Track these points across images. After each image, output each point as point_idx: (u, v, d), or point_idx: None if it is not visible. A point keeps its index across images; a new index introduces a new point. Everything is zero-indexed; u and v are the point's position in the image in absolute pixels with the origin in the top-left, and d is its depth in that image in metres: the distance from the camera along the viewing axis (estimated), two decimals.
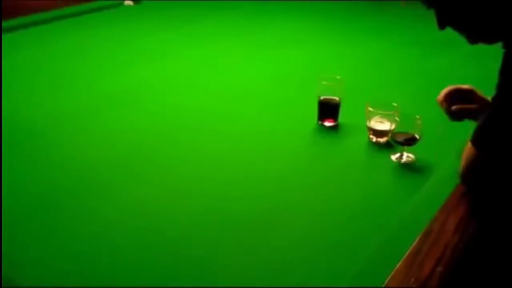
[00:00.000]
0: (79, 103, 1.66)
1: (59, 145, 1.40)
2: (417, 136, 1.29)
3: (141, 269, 0.96)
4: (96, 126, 1.51)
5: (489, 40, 1.08)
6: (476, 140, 1.07)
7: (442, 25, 1.08)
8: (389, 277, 0.88)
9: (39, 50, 2.15)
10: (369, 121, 1.40)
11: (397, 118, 1.30)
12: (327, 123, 1.50)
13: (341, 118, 1.50)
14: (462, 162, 1.11)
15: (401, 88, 1.81)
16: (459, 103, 1.27)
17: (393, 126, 1.38)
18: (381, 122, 1.39)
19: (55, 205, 1.14)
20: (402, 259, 0.92)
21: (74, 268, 0.96)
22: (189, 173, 1.28)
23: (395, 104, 1.38)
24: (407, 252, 0.94)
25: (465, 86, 1.30)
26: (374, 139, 1.39)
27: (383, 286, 0.87)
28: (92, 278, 0.93)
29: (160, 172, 1.28)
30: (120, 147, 1.39)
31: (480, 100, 1.26)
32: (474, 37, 1.08)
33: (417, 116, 1.28)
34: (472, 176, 1.10)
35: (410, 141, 1.30)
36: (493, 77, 1.05)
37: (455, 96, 1.29)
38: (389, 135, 1.33)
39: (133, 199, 1.17)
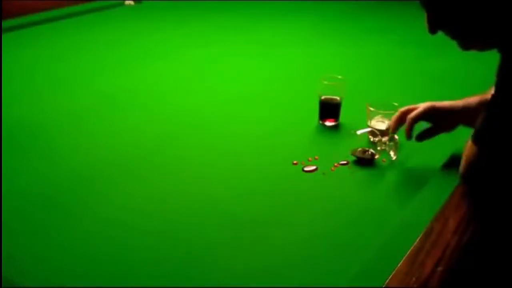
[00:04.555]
0: (79, 103, 1.66)
1: (60, 145, 1.40)
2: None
3: (141, 269, 0.96)
4: (96, 126, 1.51)
5: (482, 46, 1.07)
6: (477, 138, 1.07)
7: (433, 29, 1.08)
8: (389, 277, 0.88)
9: (39, 50, 2.15)
10: (370, 120, 1.39)
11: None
12: (328, 123, 1.50)
13: (342, 117, 1.50)
14: (463, 162, 1.11)
15: (402, 88, 1.81)
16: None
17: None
18: (382, 121, 1.39)
19: (55, 205, 1.14)
20: (403, 259, 0.92)
21: (75, 268, 0.96)
22: (190, 173, 1.28)
23: (396, 104, 1.38)
24: (408, 252, 0.94)
25: (422, 109, 1.27)
26: (376, 139, 1.39)
27: (383, 286, 0.87)
28: (92, 278, 0.93)
29: (161, 172, 1.28)
30: (121, 147, 1.39)
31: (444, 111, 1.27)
32: (467, 42, 1.07)
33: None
34: (473, 175, 1.10)
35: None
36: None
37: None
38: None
39: (133, 200, 1.16)
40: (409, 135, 1.28)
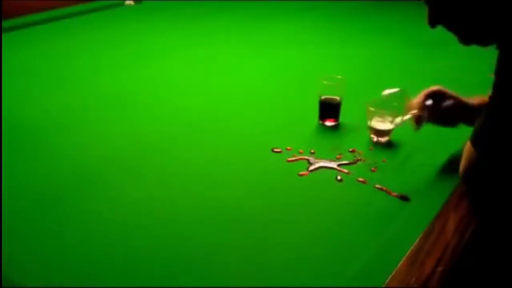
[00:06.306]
0: (79, 103, 1.65)
1: (60, 145, 1.40)
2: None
3: (141, 269, 0.96)
4: (96, 125, 1.51)
5: (482, 41, 1.07)
6: (475, 140, 1.07)
7: (433, 23, 1.08)
8: (389, 277, 0.88)
9: (39, 50, 2.15)
10: (370, 120, 1.39)
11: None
12: (328, 123, 1.50)
13: (342, 117, 1.50)
14: (462, 162, 1.11)
15: (402, 88, 1.80)
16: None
17: (393, 126, 1.38)
18: (382, 121, 1.39)
19: (55, 205, 1.14)
20: (403, 259, 0.92)
21: (75, 268, 0.96)
22: (189, 172, 1.28)
23: (395, 104, 1.38)
24: (408, 252, 0.94)
25: (434, 88, 1.32)
26: (375, 139, 1.39)
27: (383, 286, 0.87)
28: (92, 278, 0.93)
29: (160, 171, 1.28)
30: (121, 146, 1.39)
31: (453, 98, 1.30)
32: (467, 37, 1.07)
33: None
34: (472, 176, 1.10)
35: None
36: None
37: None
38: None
39: (133, 199, 1.16)
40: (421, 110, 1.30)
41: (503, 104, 1.02)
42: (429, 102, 1.30)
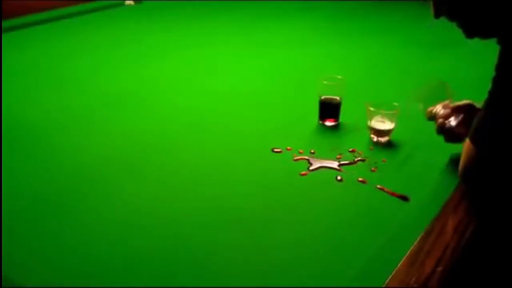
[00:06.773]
0: (79, 103, 1.66)
1: (60, 145, 1.40)
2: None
3: (141, 269, 0.96)
4: (96, 125, 1.51)
5: (485, 35, 1.07)
6: (474, 136, 1.07)
7: (438, 14, 1.08)
8: (389, 277, 0.88)
9: (39, 50, 2.15)
10: (370, 120, 1.39)
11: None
12: (328, 123, 1.50)
13: (342, 117, 1.50)
14: (462, 159, 1.11)
15: (402, 88, 1.81)
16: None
17: (393, 126, 1.38)
18: (382, 121, 1.39)
19: (55, 205, 1.14)
20: (403, 259, 0.92)
21: (75, 268, 0.96)
22: (189, 172, 1.28)
23: (396, 104, 1.38)
24: (408, 252, 0.94)
25: (465, 103, 1.26)
26: (375, 139, 1.39)
27: (383, 286, 0.87)
28: (92, 278, 0.93)
29: (160, 171, 1.28)
30: (121, 146, 1.39)
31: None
32: (470, 30, 1.07)
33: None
34: (472, 173, 1.10)
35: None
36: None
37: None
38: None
39: (134, 199, 1.16)
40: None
41: (503, 99, 1.01)
42: (458, 119, 1.24)
